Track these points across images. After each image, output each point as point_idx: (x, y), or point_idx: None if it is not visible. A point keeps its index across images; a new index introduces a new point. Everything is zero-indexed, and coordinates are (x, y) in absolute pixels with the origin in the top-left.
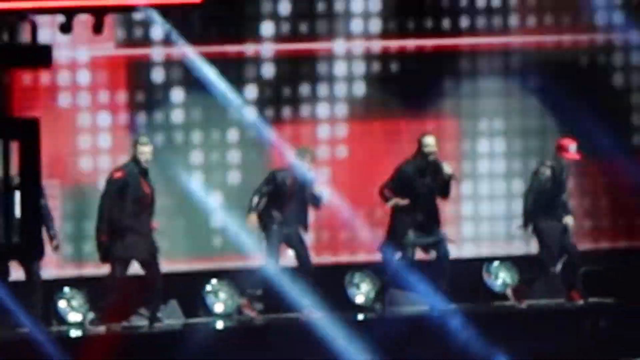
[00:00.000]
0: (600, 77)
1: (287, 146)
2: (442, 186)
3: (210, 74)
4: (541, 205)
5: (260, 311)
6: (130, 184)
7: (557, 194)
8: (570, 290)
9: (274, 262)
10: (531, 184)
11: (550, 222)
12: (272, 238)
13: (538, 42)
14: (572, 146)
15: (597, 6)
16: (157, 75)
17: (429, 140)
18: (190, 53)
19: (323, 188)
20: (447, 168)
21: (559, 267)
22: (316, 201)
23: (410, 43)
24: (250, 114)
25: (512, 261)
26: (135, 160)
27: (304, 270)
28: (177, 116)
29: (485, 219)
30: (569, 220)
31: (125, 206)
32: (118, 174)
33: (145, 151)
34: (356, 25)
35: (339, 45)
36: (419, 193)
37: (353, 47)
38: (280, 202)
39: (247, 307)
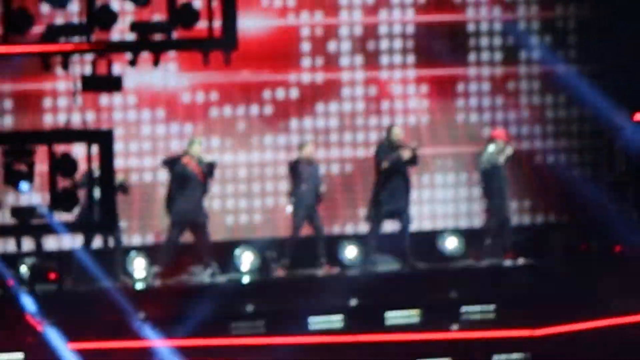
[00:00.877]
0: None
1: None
2: (411, 159)
3: None
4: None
5: (280, 267)
6: (177, 168)
7: (501, 173)
8: (505, 252)
9: (298, 232)
10: (485, 167)
11: (497, 200)
12: (297, 213)
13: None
14: (502, 132)
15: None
16: None
17: (396, 130)
18: None
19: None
20: (412, 143)
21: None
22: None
23: None
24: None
25: (459, 232)
26: (187, 152)
27: (319, 236)
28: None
29: (439, 201)
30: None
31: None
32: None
33: (194, 149)
34: None
35: None
36: (391, 166)
37: None
38: (299, 186)
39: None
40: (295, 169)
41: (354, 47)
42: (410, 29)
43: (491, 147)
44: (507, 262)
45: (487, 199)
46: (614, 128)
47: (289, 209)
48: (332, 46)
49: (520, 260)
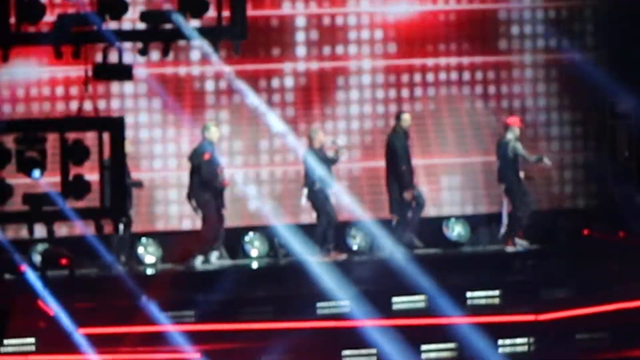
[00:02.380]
0: None
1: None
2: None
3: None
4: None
5: (284, 255)
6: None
7: (518, 159)
8: (509, 238)
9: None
10: (505, 153)
11: (519, 185)
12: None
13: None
14: (517, 119)
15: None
16: None
17: (406, 116)
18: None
19: None
20: None
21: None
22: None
23: None
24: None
25: (464, 218)
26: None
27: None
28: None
29: (444, 188)
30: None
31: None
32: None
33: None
34: None
35: None
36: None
37: None
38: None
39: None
40: (317, 157)
41: None
42: None
43: (510, 135)
44: (511, 248)
45: (508, 185)
46: (619, 114)
47: (304, 200)
48: None
49: (525, 245)
